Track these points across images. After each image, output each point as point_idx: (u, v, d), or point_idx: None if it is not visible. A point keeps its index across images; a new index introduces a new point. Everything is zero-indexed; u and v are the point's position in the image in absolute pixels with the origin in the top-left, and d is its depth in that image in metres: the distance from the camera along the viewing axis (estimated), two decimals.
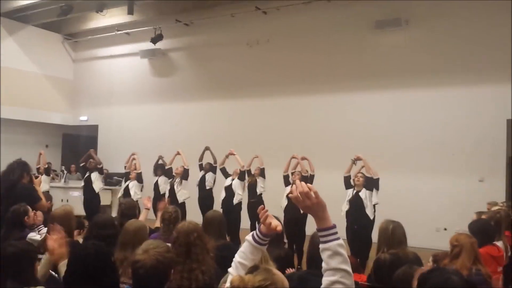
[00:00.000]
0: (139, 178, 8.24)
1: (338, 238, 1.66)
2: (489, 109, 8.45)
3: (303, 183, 1.70)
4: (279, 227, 1.93)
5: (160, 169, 8.71)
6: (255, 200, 8.07)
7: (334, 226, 1.68)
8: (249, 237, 1.99)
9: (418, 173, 8.98)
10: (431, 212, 8.61)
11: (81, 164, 9.09)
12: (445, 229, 8.26)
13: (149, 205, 4.55)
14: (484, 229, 3.66)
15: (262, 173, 8.23)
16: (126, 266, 2.65)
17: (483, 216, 4.34)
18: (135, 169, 8.36)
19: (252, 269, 1.77)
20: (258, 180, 8.19)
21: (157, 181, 8.55)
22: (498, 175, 8.23)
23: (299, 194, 1.67)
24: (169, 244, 2.86)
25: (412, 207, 8.56)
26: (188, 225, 2.93)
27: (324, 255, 1.66)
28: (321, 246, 1.67)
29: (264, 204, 8.04)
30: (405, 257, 3.10)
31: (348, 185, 6.68)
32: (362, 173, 6.63)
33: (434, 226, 8.49)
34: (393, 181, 8.29)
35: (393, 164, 8.88)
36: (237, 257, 1.97)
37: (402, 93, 9.37)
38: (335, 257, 1.63)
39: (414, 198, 8.80)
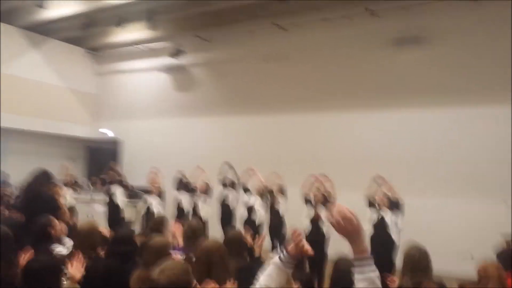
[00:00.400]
0: (160, 194, 8.25)
1: (375, 270, 1.64)
2: None
3: (345, 207, 1.66)
4: (311, 251, 1.91)
5: (181, 185, 8.72)
6: (275, 218, 8.03)
7: (371, 256, 1.66)
8: (276, 259, 1.97)
9: (440, 196, 8.77)
10: (454, 236, 8.37)
11: (104, 178, 9.20)
12: (472, 258, 8.00)
13: (174, 231, 4.48)
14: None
15: (282, 190, 8.18)
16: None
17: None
18: (157, 184, 8.38)
19: None
20: (278, 198, 8.14)
21: (178, 197, 8.56)
22: None
23: (340, 219, 1.64)
24: (193, 257, 2.83)
25: (435, 230, 8.33)
26: (212, 244, 2.91)
27: (359, 285, 1.63)
28: (357, 276, 1.64)
29: (285, 223, 8.00)
30: (429, 286, 3.01)
31: (371, 205, 6.59)
32: (386, 193, 6.53)
33: (458, 251, 8.22)
34: (414, 204, 8.08)
35: (414, 185, 8.68)
36: (263, 281, 1.95)
37: (423, 112, 9.23)
38: None
39: (436, 222, 8.57)
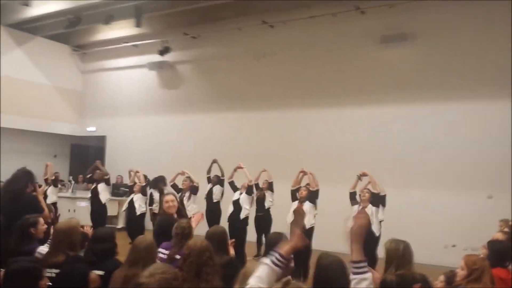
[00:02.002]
0: (143, 191, 8.19)
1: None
2: (498, 124, 8.36)
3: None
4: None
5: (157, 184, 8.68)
6: (263, 214, 8.04)
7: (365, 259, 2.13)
8: (267, 261, 2.04)
9: (426, 189, 8.89)
10: (438, 229, 8.49)
11: (88, 175, 9.12)
12: (454, 245, 8.18)
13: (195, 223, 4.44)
14: (503, 251, 3.56)
15: (270, 187, 8.19)
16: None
17: (499, 235, 4.13)
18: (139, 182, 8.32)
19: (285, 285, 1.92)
20: (266, 194, 8.15)
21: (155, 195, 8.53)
22: (506, 192, 8.12)
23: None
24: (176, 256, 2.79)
25: (420, 223, 8.46)
26: (201, 244, 2.89)
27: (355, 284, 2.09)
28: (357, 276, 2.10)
29: (271, 218, 8.03)
30: (411, 278, 3.04)
31: (353, 201, 6.61)
32: (368, 189, 6.56)
33: (441, 242, 8.36)
34: (399, 197, 8.20)
35: (400, 180, 8.81)
36: (253, 283, 1.99)
37: (409, 108, 9.32)
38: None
39: (421, 214, 8.69)
